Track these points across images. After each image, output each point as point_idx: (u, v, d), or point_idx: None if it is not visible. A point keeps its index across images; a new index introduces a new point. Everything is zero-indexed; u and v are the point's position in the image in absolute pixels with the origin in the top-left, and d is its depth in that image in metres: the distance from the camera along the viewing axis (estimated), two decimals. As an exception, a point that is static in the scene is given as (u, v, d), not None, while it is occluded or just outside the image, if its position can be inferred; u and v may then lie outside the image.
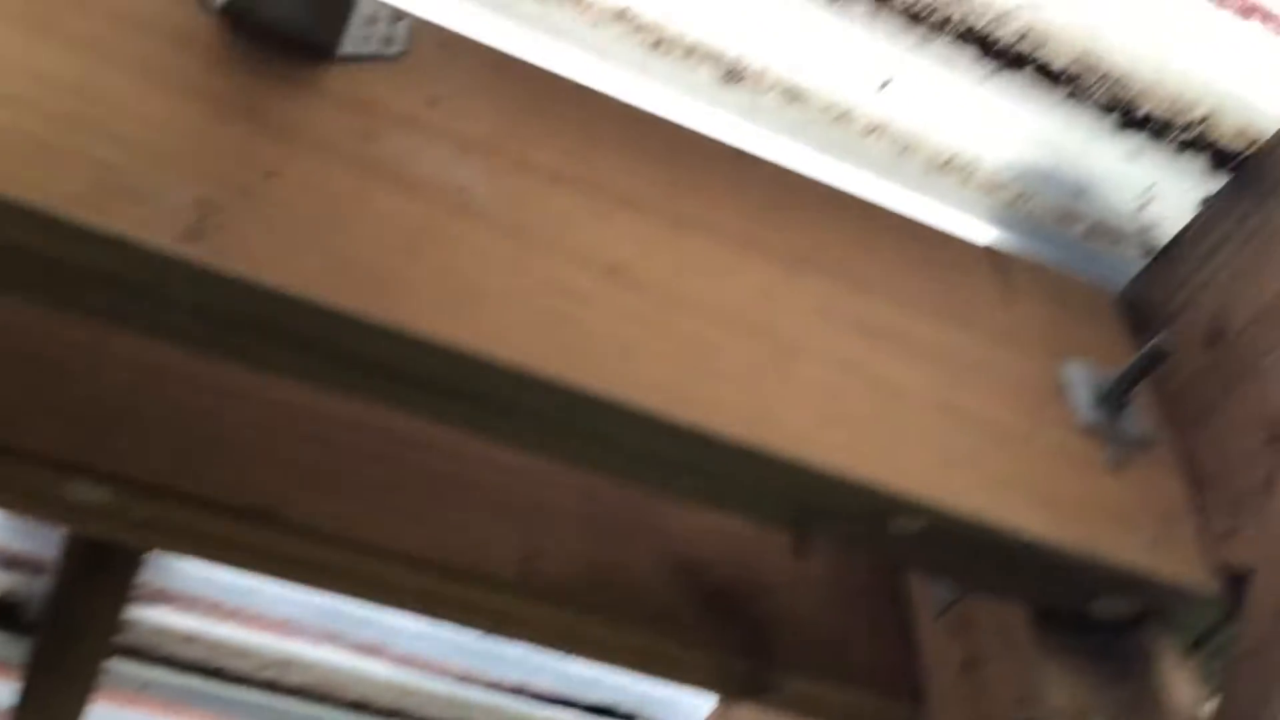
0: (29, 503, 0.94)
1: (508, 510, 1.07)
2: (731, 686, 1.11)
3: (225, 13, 0.91)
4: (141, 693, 1.82)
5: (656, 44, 1.10)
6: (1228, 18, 1.04)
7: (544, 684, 1.84)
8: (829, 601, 1.15)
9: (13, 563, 1.63)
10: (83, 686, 1.63)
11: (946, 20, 1.07)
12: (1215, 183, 1.19)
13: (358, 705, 1.84)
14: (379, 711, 1.86)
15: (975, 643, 1.08)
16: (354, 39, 0.94)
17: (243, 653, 1.76)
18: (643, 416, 0.88)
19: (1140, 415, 1.13)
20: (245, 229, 0.80)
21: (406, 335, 0.83)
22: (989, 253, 1.24)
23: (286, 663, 1.78)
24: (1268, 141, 1.14)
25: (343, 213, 0.84)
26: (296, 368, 0.85)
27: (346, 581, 1.03)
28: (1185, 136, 1.15)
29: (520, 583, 1.04)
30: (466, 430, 0.92)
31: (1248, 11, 1.04)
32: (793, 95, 1.15)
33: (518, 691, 1.85)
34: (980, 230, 1.26)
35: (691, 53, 1.11)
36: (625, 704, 1.88)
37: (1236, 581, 1.02)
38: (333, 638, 1.75)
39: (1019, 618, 1.05)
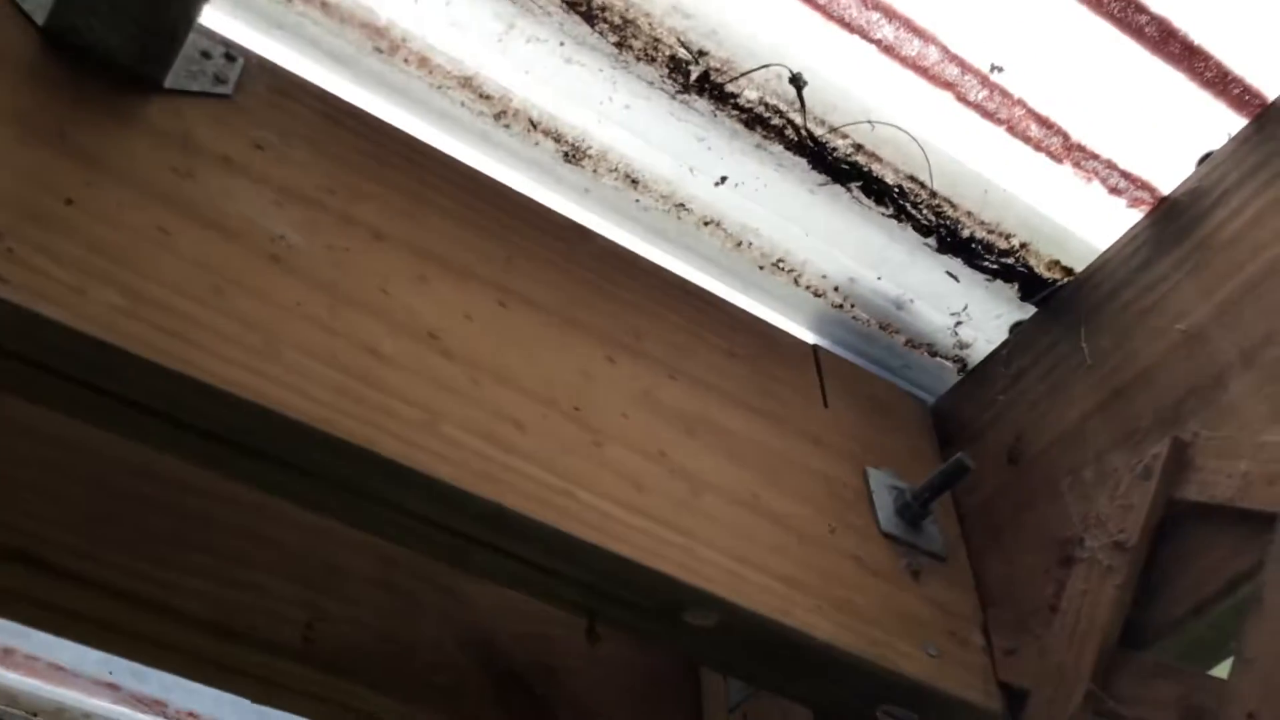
0: None
1: (299, 571, 1.03)
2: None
3: (47, 31, 0.87)
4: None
5: (499, 115, 1.10)
6: (1043, 160, 1.09)
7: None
8: (623, 690, 1.13)
9: None
10: None
11: (784, 127, 1.09)
12: (1027, 310, 1.23)
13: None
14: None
15: (762, 741, 1.08)
16: (182, 73, 0.92)
17: (12, 698, 1.66)
18: (439, 487, 0.86)
19: (938, 528, 1.15)
20: (35, 258, 0.76)
21: (199, 383, 0.79)
22: (814, 350, 1.26)
23: (59, 711, 1.68)
24: (1079, 275, 1.19)
25: (144, 248, 0.81)
26: (84, 407, 0.81)
27: (111, 639, 0.97)
28: (1003, 261, 1.19)
29: (302, 649, 1.00)
30: (257, 487, 0.88)
31: (1060, 157, 1.10)
32: (632, 180, 1.15)
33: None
34: (805, 332, 1.28)
35: (535, 127, 1.11)
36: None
37: (1016, 698, 1.04)
38: (110, 688, 1.66)
39: (807, 718, 1.05)
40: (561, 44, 1.03)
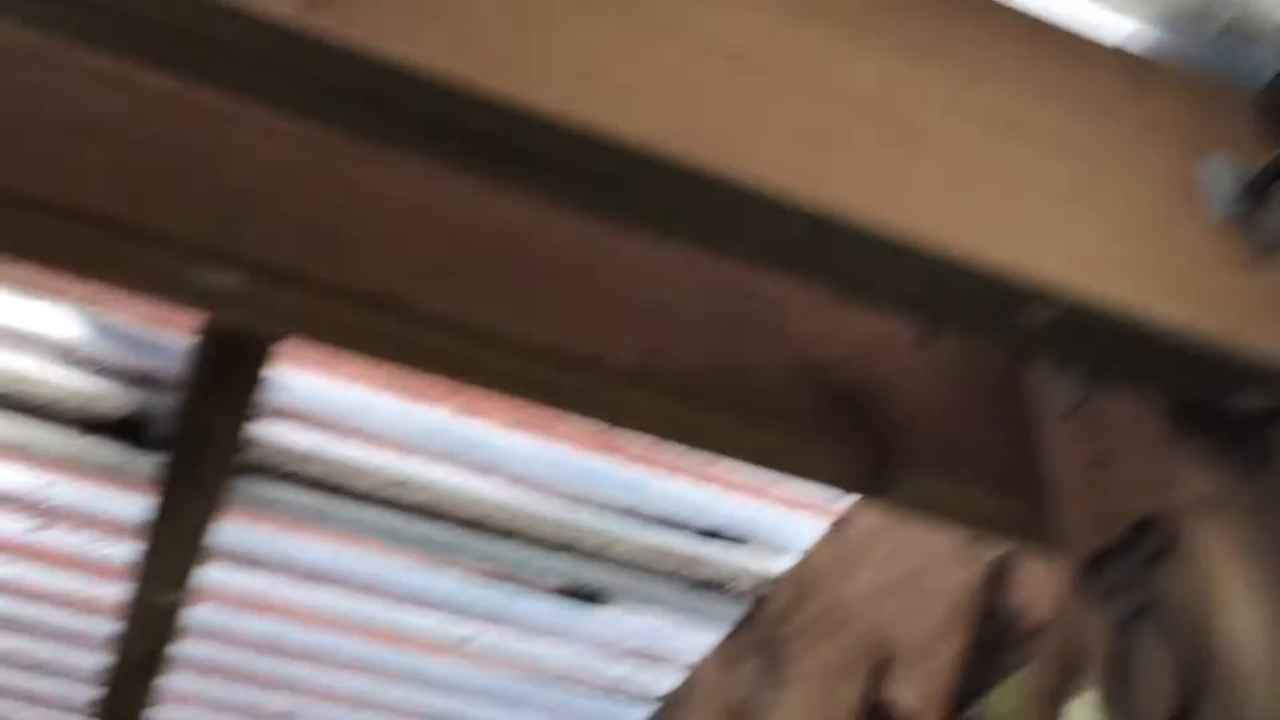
0: (160, 287, 0.96)
1: (628, 306, 1.06)
2: (852, 483, 1.11)
3: None
4: (267, 510, 1.89)
5: None
6: None
7: (655, 507, 1.87)
8: (953, 401, 1.13)
9: (139, 380, 1.68)
10: (212, 502, 1.70)
11: None
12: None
13: (472, 524, 1.89)
14: (493, 531, 1.91)
15: (1103, 440, 1.06)
16: None
17: (362, 472, 1.81)
18: (769, 198, 0.86)
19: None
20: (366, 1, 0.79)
21: (528, 111, 0.81)
22: (1119, 52, 1.18)
23: (404, 482, 1.83)
24: None
25: (466, -15, 0.82)
26: (420, 145, 0.85)
27: (468, 371, 1.04)
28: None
29: (640, 375, 1.04)
30: (588, 215, 0.91)
31: None
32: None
33: (629, 514, 1.88)
34: (1114, 22, 1.20)
35: None
36: (735, 528, 1.90)
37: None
38: (449, 457, 1.79)
39: (1150, 413, 1.03)
40: None
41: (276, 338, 1.45)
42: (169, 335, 1.62)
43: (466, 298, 1.02)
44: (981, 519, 1.16)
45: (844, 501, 1.85)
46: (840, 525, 1.85)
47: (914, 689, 1.58)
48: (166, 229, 0.95)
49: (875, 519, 1.74)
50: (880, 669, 1.56)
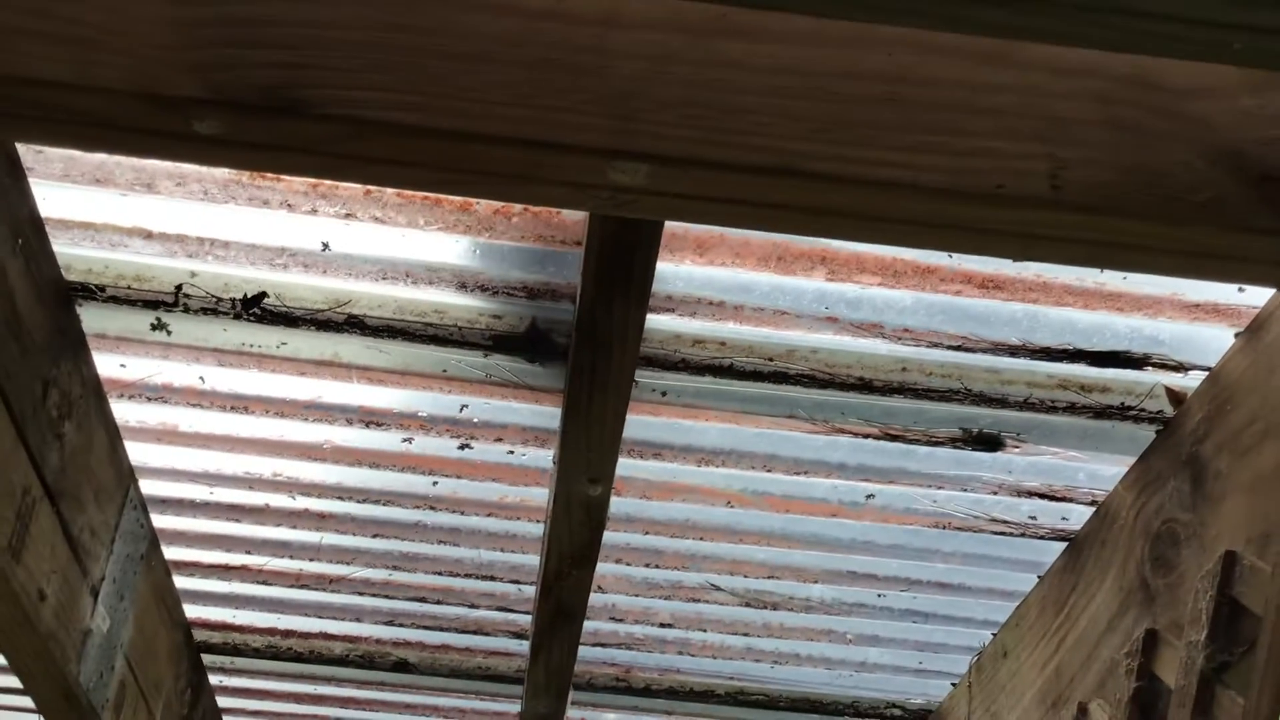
0: (576, 193, 1.01)
1: (1023, 129, 1.03)
2: (1295, 274, 1.04)
3: None
4: (663, 400, 1.98)
5: None
6: None
7: (1045, 338, 1.82)
8: (1400, 166, 1.03)
9: (534, 294, 1.79)
10: (619, 398, 1.79)
11: None
12: None
13: (861, 385, 1.91)
14: (882, 389, 1.92)
15: None
16: None
17: (748, 349, 1.86)
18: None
19: None
20: None
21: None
22: None
23: (790, 352, 1.86)
24: None
25: None
26: None
27: (870, 226, 1.04)
28: None
29: (1051, 197, 1.01)
30: (994, 35, 0.88)
31: None
32: None
33: (1019, 350, 1.84)
34: None
35: None
36: (1136, 347, 1.82)
37: None
38: (830, 322, 1.81)
39: None
40: None
41: (657, 235, 1.50)
42: (555, 249, 1.71)
43: (857, 151, 1.02)
44: None
45: (1253, 303, 1.74)
46: (1255, 329, 1.74)
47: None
48: (570, 138, 1.00)
49: (1298, 315, 1.62)
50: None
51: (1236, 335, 1.78)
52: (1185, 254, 1.03)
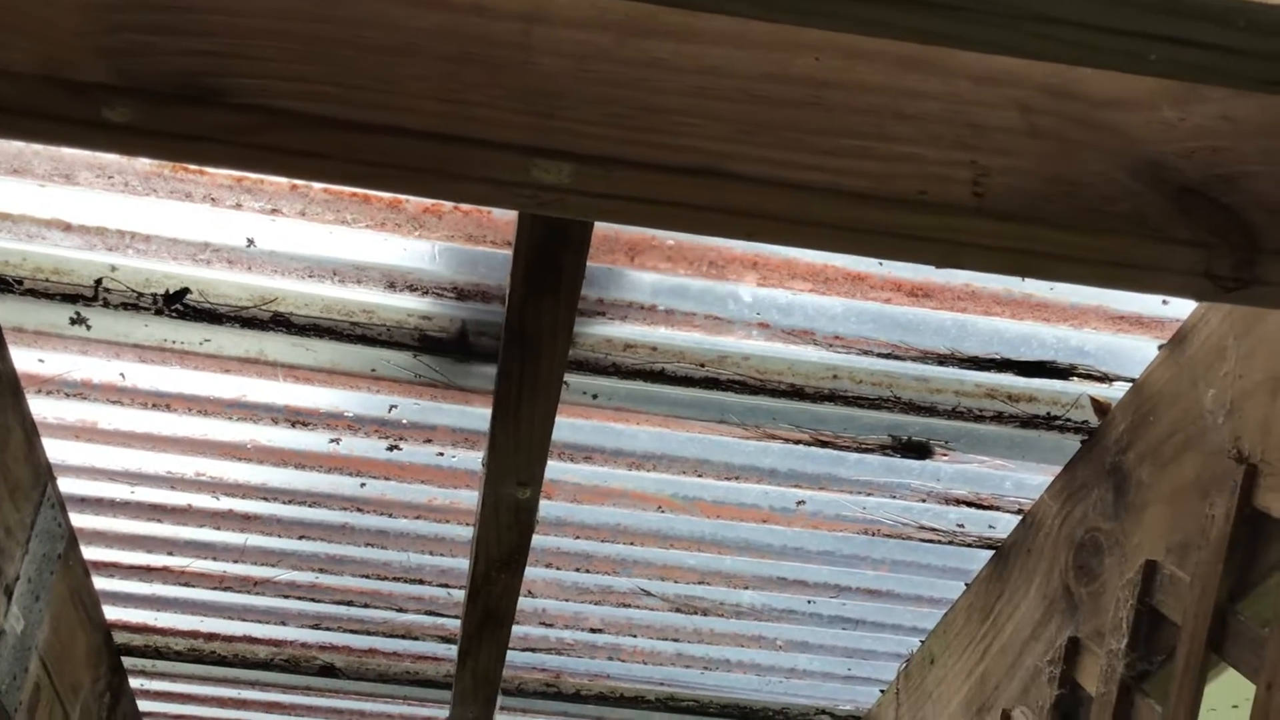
0: (497, 190, 1.00)
1: (947, 136, 1.03)
2: (1210, 286, 1.05)
3: None
4: (594, 403, 1.97)
5: None
6: None
7: (973, 347, 1.83)
8: (1315, 180, 1.05)
9: (463, 295, 1.77)
10: (548, 401, 1.78)
11: None
12: None
13: (792, 391, 1.91)
14: (812, 396, 1.92)
15: None
16: None
17: (679, 354, 1.86)
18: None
19: None
20: None
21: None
22: None
23: (721, 358, 1.86)
24: None
25: None
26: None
27: (794, 229, 1.04)
28: None
29: (973, 204, 1.01)
30: (921, 40, 0.88)
31: None
32: None
33: (947, 359, 1.85)
34: None
35: None
36: (1062, 357, 1.84)
37: None
38: (761, 328, 1.81)
39: None
40: None
41: (586, 236, 1.48)
42: (485, 249, 1.70)
43: (780, 154, 1.01)
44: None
45: (1177, 316, 1.76)
46: (1177, 341, 1.76)
47: (1286, 498, 1.49)
48: (491, 134, 0.98)
49: (1218, 327, 1.64)
50: (1249, 479, 1.49)
51: (1160, 347, 1.81)
52: (1105, 264, 1.04)
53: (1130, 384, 1.87)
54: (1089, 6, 0.82)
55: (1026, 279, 1.64)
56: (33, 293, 1.80)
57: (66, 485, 2.31)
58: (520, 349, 1.66)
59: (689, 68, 1.03)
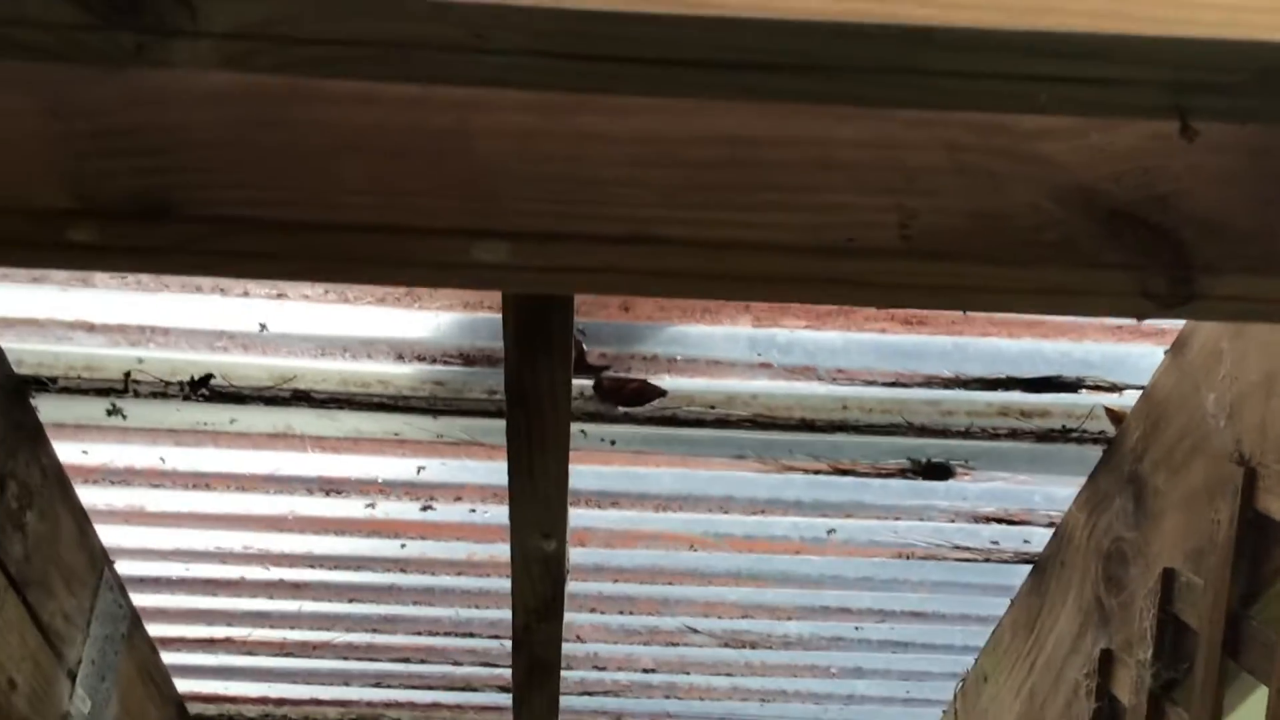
0: (442, 273, 1.05)
1: (873, 182, 1.06)
2: (1151, 305, 1.06)
3: None
4: (613, 448, 2.00)
5: None
6: None
7: (976, 369, 1.84)
8: (1239, 196, 1.06)
9: (469, 360, 1.82)
10: (559, 456, 1.82)
11: None
12: None
13: (804, 425, 1.93)
14: (823, 428, 1.94)
15: None
16: None
17: (688, 398, 1.89)
18: (991, 36, 0.83)
19: None
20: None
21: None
22: None
23: (729, 399, 1.89)
24: None
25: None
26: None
27: (726, 285, 1.07)
28: None
29: (901, 247, 1.04)
30: (815, 100, 0.91)
31: None
32: None
33: (953, 382, 1.86)
34: None
35: None
36: (1068, 370, 1.84)
37: None
38: (764, 368, 1.83)
39: None
40: None
41: (570, 295, 1.53)
42: (483, 315, 1.75)
43: (705, 214, 1.05)
44: (1305, 308, 1.08)
45: (1176, 322, 1.76)
46: (1179, 346, 1.76)
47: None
48: (432, 222, 1.03)
49: (1213, 330, 1.64)
50: (1249, 482, 1.48)
51: (1166, 353, 1.80)
52: (1037, 293, 1.05)
53: (1141, 391, 1.87)
54: (971, 57, 0.85)
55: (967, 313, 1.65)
56: (67, 390, 1.89)
57: (125, 567, 2.40)
58: (523, 409, 1.70)
59: (622, 137, 1.07)
